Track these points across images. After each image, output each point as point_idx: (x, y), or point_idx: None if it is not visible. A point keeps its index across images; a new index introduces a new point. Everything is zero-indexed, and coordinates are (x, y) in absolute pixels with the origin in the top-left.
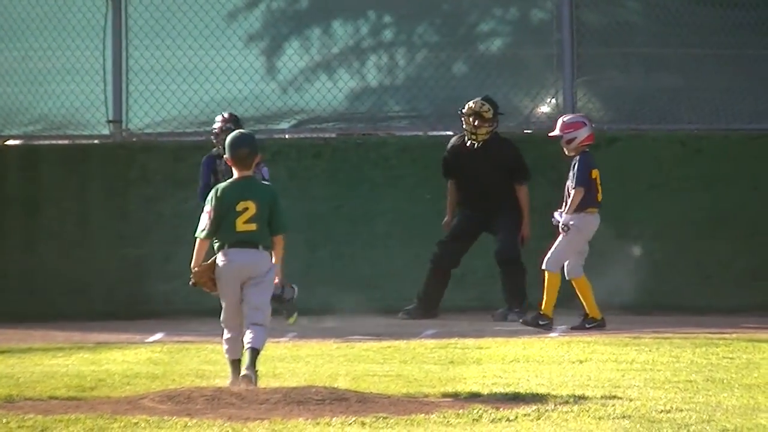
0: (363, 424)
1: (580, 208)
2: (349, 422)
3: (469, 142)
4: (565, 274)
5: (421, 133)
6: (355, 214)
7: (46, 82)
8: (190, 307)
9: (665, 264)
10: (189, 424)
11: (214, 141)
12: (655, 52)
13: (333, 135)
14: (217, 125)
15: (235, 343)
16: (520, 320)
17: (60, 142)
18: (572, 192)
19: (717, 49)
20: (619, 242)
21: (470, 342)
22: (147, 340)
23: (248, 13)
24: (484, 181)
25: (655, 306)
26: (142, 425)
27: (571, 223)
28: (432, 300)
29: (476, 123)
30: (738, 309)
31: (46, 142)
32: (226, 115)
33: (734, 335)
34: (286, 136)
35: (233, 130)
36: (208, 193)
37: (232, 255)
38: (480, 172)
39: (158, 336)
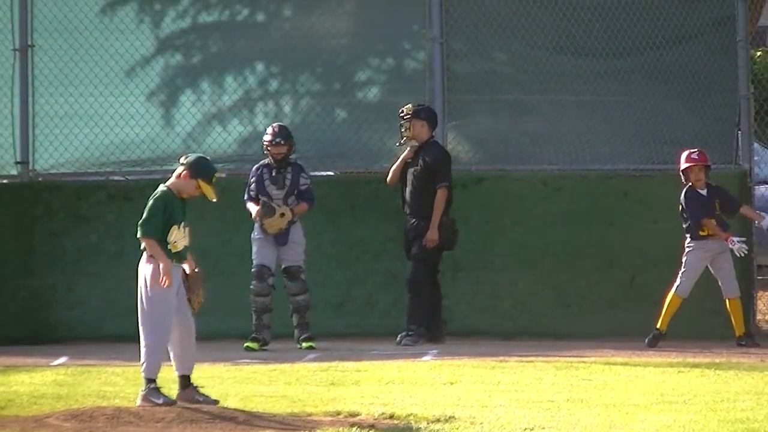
0: None
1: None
2: None
3: (398, 144)
4: (675, 288)
5: None
6: (243, 247)
7: None
8: (91, 333)
9: (528, 294)
10: None
11: (265, 152)
12: (519, 99)
13: (223, 175)
14: (267, 138)
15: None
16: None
17: None
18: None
19: (576, 96)
20: (484, 273)
21: (349, 365)
22: (52, 364)
23: (146, 65)
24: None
25: (519, 332)
26: None
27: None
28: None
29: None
30: (595, 335)
31: None
32: (276, 128)
33: (592, 359)
34: None
35: (282, 144)
36: (250, 197)
37: None
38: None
39: (62, 360)
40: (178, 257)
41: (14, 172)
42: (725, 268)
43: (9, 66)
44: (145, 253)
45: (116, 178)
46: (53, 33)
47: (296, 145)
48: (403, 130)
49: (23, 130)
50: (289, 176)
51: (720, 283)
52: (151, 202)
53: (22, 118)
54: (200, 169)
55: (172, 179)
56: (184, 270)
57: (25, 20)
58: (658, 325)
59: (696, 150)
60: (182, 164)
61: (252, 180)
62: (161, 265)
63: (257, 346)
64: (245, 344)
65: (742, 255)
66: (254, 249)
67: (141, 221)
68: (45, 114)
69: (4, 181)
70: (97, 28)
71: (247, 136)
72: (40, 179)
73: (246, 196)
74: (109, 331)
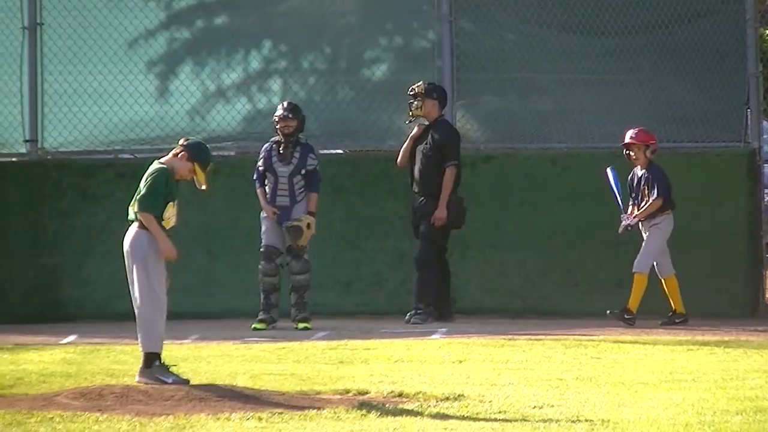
0: (260, 419)
1: (662, 210)
2: (247, 417)
3: (407, 121)
4: (657, 273)
5: None
6: (251, 226)
7: None
8: (100, 312)
9: (537, 272)
10: (100, 418)
11: (276, 128)
12: (528, 77)
13: (232, 153)
14: (278, 112)
15: None
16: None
17: None
18: (650, 199)
19: (585, 75)
20: (494, 252)
21: (358, 343)
22: (61, 342)
23: (154, 44)
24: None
25: (528, 310)
26: (57, 420)
27: (659, 224)
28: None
29: (411, 100)
30: (603, 313)
31: None
32: (285, 104)
33: (601, 337)
34: None
35: (290, 118)
36: (260, 178)
37: None
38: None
39: (71, 338)
40: (168, 233)
41: (23, 150)
42: (644, 244)
43: (18, 44)
44: (133, 228)
45: (125, 156)
46: (62, 11)
47: (306, 124)
48: (413, 108)
49: (32, 109)
50: (297, 155)
51: None
52: (151, 178)
53: (31, 97)
54: (199, 153)
55: (169, 157)
56: None
57: None
58: (674, 308)
59: (638, 129)
60: (182, 145)
61: (261, 156)
62: (160, 244)
63: (264, 327)
64: (253, 326)
65: (627, 230)
66: (263, 229)
67: (141, 196)
68: (54, 92)
69: (13, 159)
70: (105, 6)
71: (255, 115)
72: (48, 157)
73: (255, 175)
74: (118, 310)
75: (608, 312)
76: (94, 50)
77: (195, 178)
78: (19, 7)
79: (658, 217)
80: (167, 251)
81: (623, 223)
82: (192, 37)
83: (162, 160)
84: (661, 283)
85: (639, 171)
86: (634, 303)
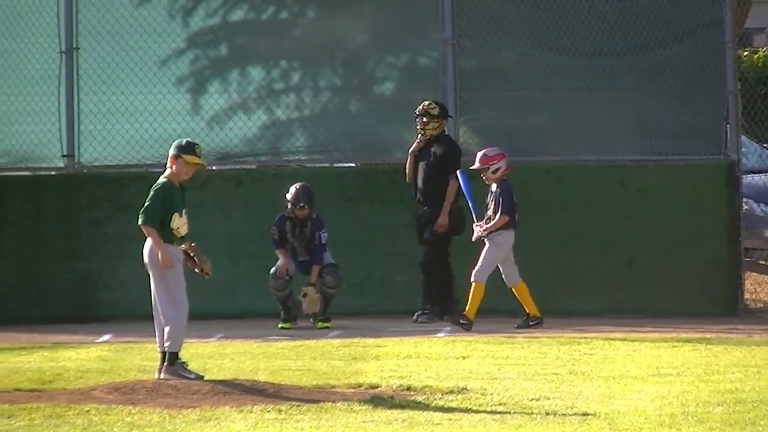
0: (279, 410)
1: (505, 227)
2: (268, 409)
3: (418, 138)
4: (506, 282)
5: (327, 165)
6: (270, 233)
7: (10, 122)
8: (132, 313)
9: (533, 274)
10: (132, 411)
11: (287, 207)
12: (524, 95)
13: (253, 167)
14: (290, 197)
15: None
16: (448, 320)
17: (22, 173)
18: (495, 216)
19: (577, 93)
20: None
21: (370, 341)
22: (97, 341)
23: (182, 65)
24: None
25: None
26: (93, 412)
27: (495, 238)
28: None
29: (425, 120)
30: (595, 312)
31: (10, 173)
32: (300, 189)
33: (593, 335)
34: (213, 168)
35: (305, 208)
36: (278, 244)
37: None
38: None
39: (106, 337)
40: (181, 240)
41: (61, 164)
42: (482, 257)
43: (56, 67)
44: (148, 240)
45: (155, 169)
46: (96, 36)
47: (321, 139)
48: (429, 128)
49: (69, 126)
50: (307, 231)
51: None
52: (151, 192)
53: (68, 115)
54: (180, 147)
55: (167, 170)
56: (183, 250)
57: (71, 25)
58: (527, 312)
59: (484, 151)
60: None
61: (275, 229)
62: (159, 254)
63: (290, 325)
64: (279, 325)
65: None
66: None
67: (141, 210)
68: (89, 111)
69: (52, 172)
70: (136, 31)
71: (274, 131)
72: (84, 171)
73: (272, 239)
74: (149, 311)
75: (445, 317)
76: (126, 72)
77: (189, 169)
78: (57, 33)
79: (497, 233)
80: (165, 261)
81: (475, 233)
82: (216, 58)
83: (165, 174)
84: (512, 291)
85: (493, 187)
86: (471, 310)
